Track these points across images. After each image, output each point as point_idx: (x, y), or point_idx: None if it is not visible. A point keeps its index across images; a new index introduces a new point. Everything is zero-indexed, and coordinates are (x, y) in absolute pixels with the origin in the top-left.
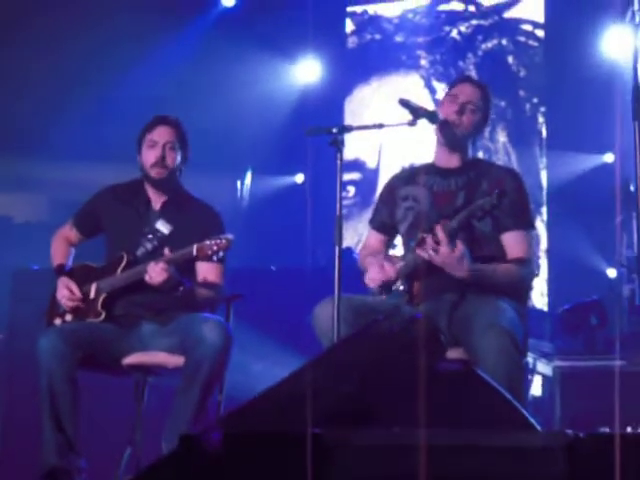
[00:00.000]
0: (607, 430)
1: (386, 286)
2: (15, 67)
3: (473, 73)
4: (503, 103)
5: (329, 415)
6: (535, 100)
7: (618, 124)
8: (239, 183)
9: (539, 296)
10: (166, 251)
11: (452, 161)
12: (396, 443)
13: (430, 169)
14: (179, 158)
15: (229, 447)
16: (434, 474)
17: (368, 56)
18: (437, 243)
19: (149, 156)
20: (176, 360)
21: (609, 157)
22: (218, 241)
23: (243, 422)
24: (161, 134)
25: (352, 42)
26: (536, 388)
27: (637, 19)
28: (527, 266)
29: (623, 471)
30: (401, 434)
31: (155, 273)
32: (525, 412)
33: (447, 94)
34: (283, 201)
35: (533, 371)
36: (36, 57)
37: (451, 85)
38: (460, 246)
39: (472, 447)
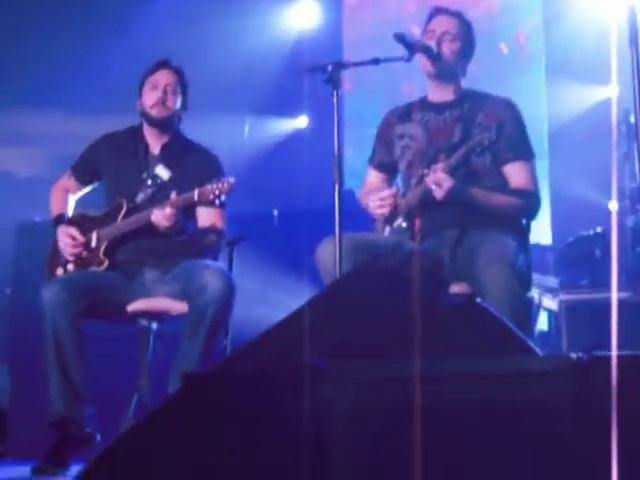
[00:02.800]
0: None
1: (390, 215)
2: (15, 20)
3: None
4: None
5: (331, 352)
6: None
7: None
8: (241, 127)
9: (543, 231)
10: (173, 195)
11: (445, 94)
12: (397, 374)
13: (424, 104)
14: (179, 103)
15: (231, 386)
16: (436, 404)
17: None
18: (438, 182)
19: (150, 97)
20: (180, 306)
21: (609, 90)
22: (220, 185)
23: (246, 362)
24: (163, 77)
25: None
26: (542, 323)
27: None
28: (532, 195)
29: (626, 391)
30: (401, 365)
31: (162, 217)
32: (530, 342)
33: (424, 31)
34: (285, 144)
35: (539, 306)
36: (32, 10)
37: (426, 21)
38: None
39: (475, 374)
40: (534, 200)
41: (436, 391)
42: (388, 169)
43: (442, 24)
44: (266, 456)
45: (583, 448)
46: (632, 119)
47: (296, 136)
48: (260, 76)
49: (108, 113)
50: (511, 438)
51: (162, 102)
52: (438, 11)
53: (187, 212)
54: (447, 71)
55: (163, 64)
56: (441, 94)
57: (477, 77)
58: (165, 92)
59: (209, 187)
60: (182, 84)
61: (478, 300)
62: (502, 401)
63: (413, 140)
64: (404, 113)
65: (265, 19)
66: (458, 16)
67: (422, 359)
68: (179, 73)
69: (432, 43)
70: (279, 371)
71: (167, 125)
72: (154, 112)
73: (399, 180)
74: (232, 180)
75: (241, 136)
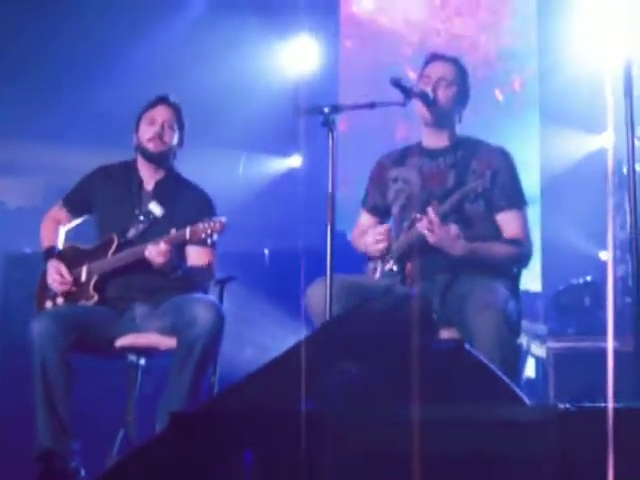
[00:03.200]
0: None
1: (385, 253)
2: (9, 51)
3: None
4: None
5: (322, 392)
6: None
7: (610, 103)
8: (236, 164)
9: (533, 278)
10: (173, 231)
11: (439, 140)
12: (388, 419)
13: (419, 150)
14: (176, 139)
15: (221, 425)
16: (426, 449)
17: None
18: (430, 224)
19: (147, 132)
20: (168, 341)
21: (603, 139)
22: (212, 224)
23: (236, 400)
24: (160, 112)
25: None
26: (530, 370)
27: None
28: (524, 245)
29: (615, 443)
30: (390, 410)
31: (157, 253)
32: (517, 390)
33: (420, 76)
34: (279, 184)
35: (527, 353)
36: (29, 42)
37: (423, 66)
38: (454, 226)
39: (464, 421)
40: (525, 250)
41: (423, 437)
42: (381, 212)
43: (438, 70)
44: None
45: None
46: (624, 170)
47: (289, 175)
48: (256, 115)
49: (101, 146)
50: None
51: (159, 137)
52: (434, 57)
53: (178, 250)
54: (442, 117)
55: (161, 100)
56: (436, 140)
57: (471, 122)
58: (162, 127)
59: (201, 226)
60: (179, 120)
61: (467, 346)
62: (489, 448)
63: (407, 184)
64: (399, 157)
65: (263, 60)
66: (454, 62)
67: (410, 404)
68: (177, 109)
69: (428, 88)
70: (266, 412)
71: (162, 160)
72: (151, 146)
73: (392, 223)
74: (223, 220)
75: (235, 173)
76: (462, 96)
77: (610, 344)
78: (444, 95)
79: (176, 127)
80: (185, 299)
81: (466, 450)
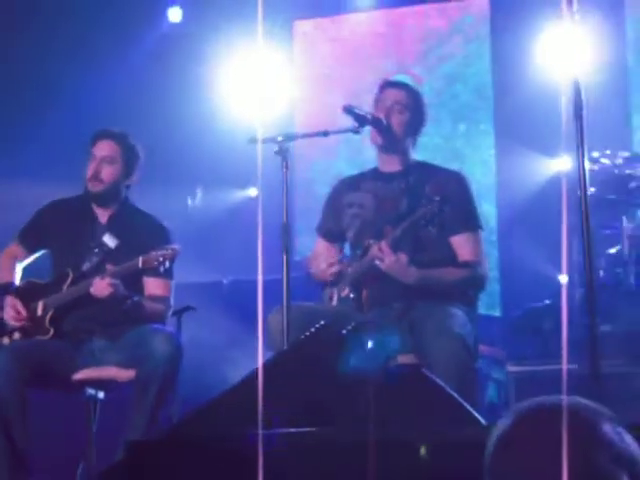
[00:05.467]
0: None
1: (338, 278)
2: None
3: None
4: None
5: (280, 419)
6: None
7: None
8: (189, 199)
9: (491, 302)
10: (108, 266)
11: (394, 165)
12: (343, 441)
13: (374, 174)
14: (119, 173)
15: (174, 454)
16: (382, 471)
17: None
18: (381, 252)
19: (87, 170)
20: (127, 374)
21: (561, 163)
22: (164, 252)
23: (196, 428)
24: (99, 148)
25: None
26: (491, 394)
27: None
28: (478, 268)
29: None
30: (348, 432)
31: (101, 287)
32: (475, 413)
33: (375, 100)
34: (236, 215)
35: (487, 377)
36: None
37: (378, 91)
38: (403, 255)
39: (418, 444)
40: (479, 272)
41: (383, 458)
42: (336, 237)
43: (391, 96)
44: None
45: None
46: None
47: (247, 205)
48: (210, 148)
49: (55, 180)
50: None
51: (95, 176)
52: (388, 84)
53: (134, 280)
54: (395, 143)
55: (101, 135)
56: (390, 165)
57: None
58: (100, 165)
59: (153, 254)
60: (124, 152)
61: (424, 371)
62: (443, 469)
63: (362, 209)
64: (354, 182)
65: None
66: (408, 89)
67: (368, 427)
68: (119, 141)
69: (381, 114)
70: (225, 439)
71: (106, 198)
72: (90, 186)
73: (347, 249)
74: (177, 247)
75: (192, 205)
76: (416, 120)
77: (564, 367)
78: (397, 120)
79: (120, 160)
80: (142, 331)
81: (421, 471)
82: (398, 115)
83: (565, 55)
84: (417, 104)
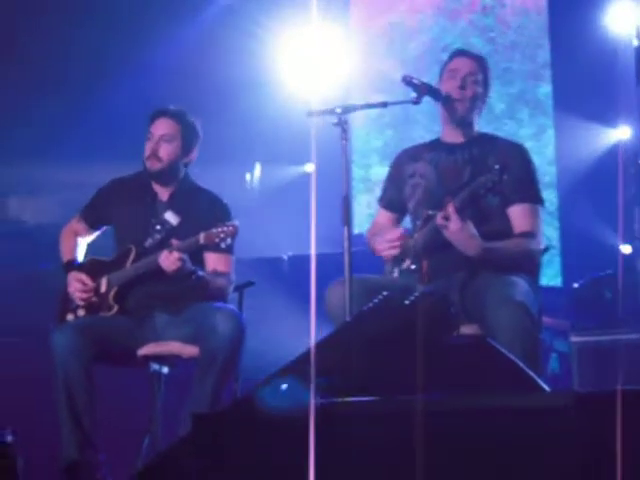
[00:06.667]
0: None
1: (398, 256)
2: (20, 72)
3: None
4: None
5: (342, 391)
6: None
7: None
8: (249, 175)
9: (552, 273)
10: (173, 241)
11: (458, 137)
12: (406, 409)
13: (436, 145)
14: (178, 151)
15: (242, 427)
16: (448, 438)
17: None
18: (446, 219)
19: (146, 148)
20: (190, 350)
21: (620, 132)
22: (225, 228)
23: (257, 402)
24: (157, 127)
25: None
26: (554, 365)
27: None
28: (534, 240)
29: (628, 425)
30: (410, 400)
31: (169, 262)
32: (540, 380)
33: (445, 70)
34: (294, 191)
35: (550, 348)
36: (40, 60)
37: (448, 60)
38: (470, 224)
39: (483, 411)
40: (536, 244)
41: (444, 425)
42: (397, 208)
43: (466, 66)
44: None
45: None
46: None
47: (305, 180)
48: (267, 123)
49: (117, 158)
50: (519, 472)
51: (154, 154)
52: (462, 52)
53: (196, 257)
54: (463, 116)
55: (159, 113)
56: (454, 136)
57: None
58: (158, 143)
59: (214, 231)
60: (183, 129)
61: (489, 340)
62: (506, 435)
63: (423, 178)
64: (416, 152)
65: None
66: (480, 60)
67: (432, 396)
68: (178, 119)
69: (456, 83)
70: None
71: (165, 176)
72: (148, 165)
73: (409, 220)
74: (237, 223)
75: (251, 182)
76: (485, 95)
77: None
78: (471, 92)
79: (179, 137)
80: (206, 307)
81: (484, 438)
82: (473, 86)
83: (626, 23)
84: (487, 76)
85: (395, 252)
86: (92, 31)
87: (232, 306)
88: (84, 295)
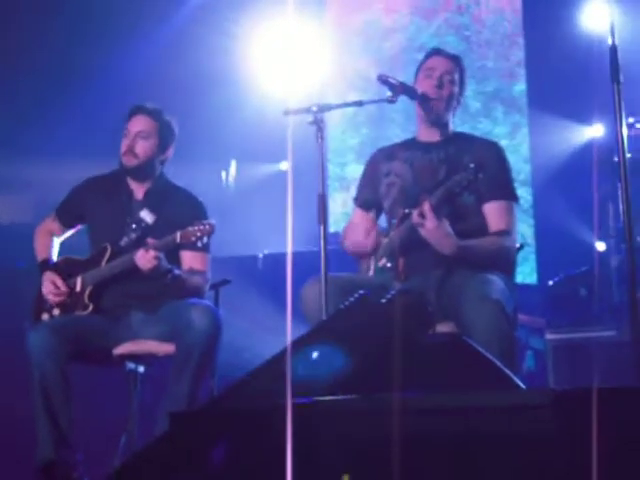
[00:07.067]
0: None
1: (374, 247)
2: None
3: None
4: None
5: (317, 389)
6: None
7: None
8: (224, 173)
9: (527, 271)
10: (149, 239)
11: (433, 136)
12: (381, 407)
13: (411, 144)
14: (154, 148)
15: (219, 426)
16: (423, 435)
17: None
18: (422, 217)
19: (122, 145)
20: (166, 348)
21: (595, 130)
22: (201, 226)
23: (234, 400)
24: (134, 123)
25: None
26: (529, 363)
27: None
28: (509, 237)
29: (604, 423)
30: (386, 398)
31: (145, 260)
32: (516, 378)
33: (421, 69)
34: (269, 189)
35: (526, 346)
36: (15, 60)
37: (424, 59)
38: (445, 223)
39: (459, 409)
40: (510, 242)
41: (421, 423)
42: (372, 207)
43: (442, 65)
44: None
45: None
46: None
47: (281, 178)
48: (242, 122)
49: (91, 156)
50: (495, 470)
51: (130, 150)
52: (438, 52)
53: (172, 255)
54: (439, 115)
55: (136, 110)
56: (429, 135)
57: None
58: (134, 140)
59: (190, 229)
60: (160, 127)
61: (464, 338)
62: (484, 434)
63: (399, 177)
64: (391, 152)
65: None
66: (456, 60)
67: (407, 394)
68: (155, 117)
69: (432, 82)
70: (264, 409)
71: (141, 173)
72: (124, 161)
73: (382, 221)
74: (213, 222)
75: (226, 180)
76: (460, 94)
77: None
78: (447, 91)
79: (155, 135)
80: (181, 304)
81: (461, 437)
82: (449, 85)
83: (600, 21)
84: (463, 76)
85: (374, 234)
86: (65, 27)
87: (208, 302)
88: (56, 298)
